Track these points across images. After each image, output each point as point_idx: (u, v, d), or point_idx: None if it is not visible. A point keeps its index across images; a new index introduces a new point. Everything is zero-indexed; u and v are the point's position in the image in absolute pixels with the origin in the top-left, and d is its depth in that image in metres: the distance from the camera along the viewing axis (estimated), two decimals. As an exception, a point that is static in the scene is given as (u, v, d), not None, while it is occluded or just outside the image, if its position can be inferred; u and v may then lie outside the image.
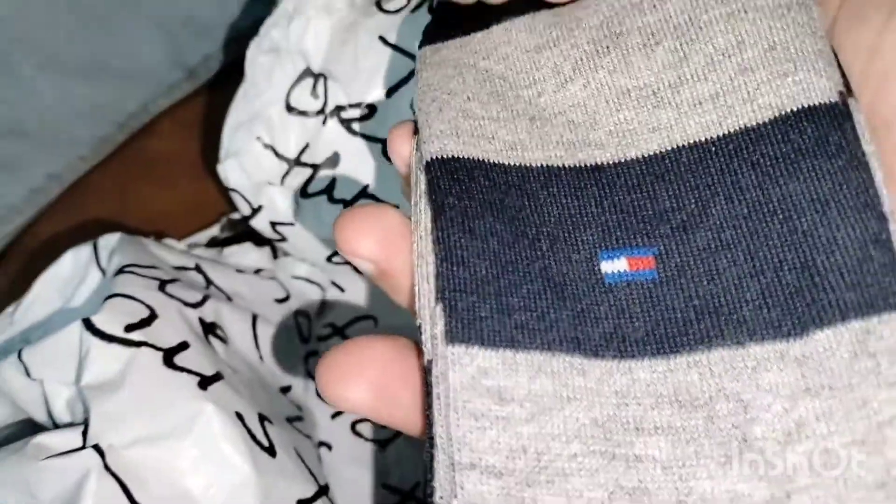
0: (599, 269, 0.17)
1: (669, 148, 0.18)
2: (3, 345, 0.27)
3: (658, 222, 0.18)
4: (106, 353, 0.23)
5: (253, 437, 0.24)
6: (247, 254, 0.36)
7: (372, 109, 0.28)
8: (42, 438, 0.22)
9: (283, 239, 0.33)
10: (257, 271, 0.35)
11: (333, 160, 0.30)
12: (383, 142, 0.28)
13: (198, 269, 0.31)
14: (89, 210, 0.37)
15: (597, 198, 0.18)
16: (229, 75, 0.36)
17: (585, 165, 0.19)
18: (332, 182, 0.30)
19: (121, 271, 0.26)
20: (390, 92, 0.28)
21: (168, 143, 0.38)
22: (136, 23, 0.36)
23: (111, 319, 0.24)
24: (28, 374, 0.24)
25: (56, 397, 0.24)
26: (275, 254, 0.37)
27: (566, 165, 0.19)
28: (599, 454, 0.16)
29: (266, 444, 0.25)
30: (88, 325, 0.23)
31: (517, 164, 0.18)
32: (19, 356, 0.24)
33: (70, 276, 0.28)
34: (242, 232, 0.38)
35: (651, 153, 0.18)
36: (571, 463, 0.16)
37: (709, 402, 0.16)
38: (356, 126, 0.29)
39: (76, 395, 0.24)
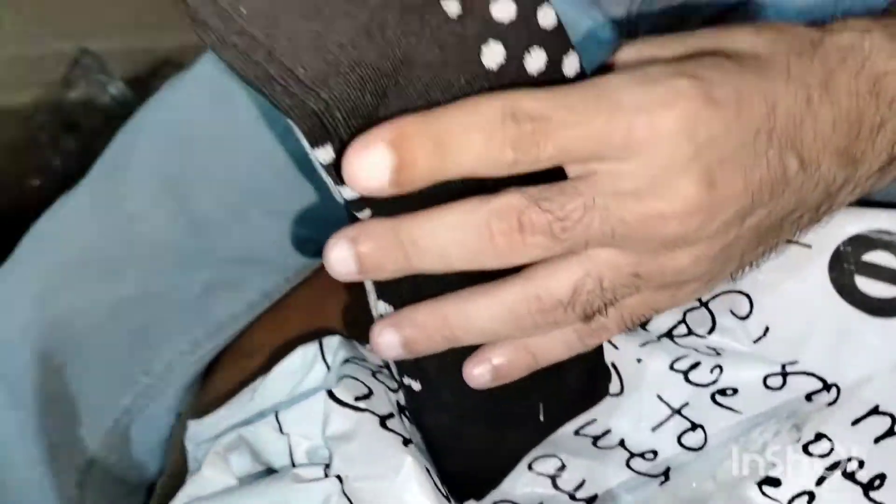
0: None
1: None
2: (252, 416, 0.37)
3: None
4: (342, 415, 0.32)
5: (437, 486, 0.33)
6: None
7: None
8: (297, 470, 0.31)
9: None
10: None
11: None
12: None
13: (386, 365, 0.40)
14: (291, 321, 0.47)
15: None
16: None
17: None
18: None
19: (346, 361, 0.35)
20: None
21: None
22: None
23: (345, 392, 0.33)
24: (280, 430, 0.34)
25: (298, 447, 0.33)
26: None
27: None
28: None
29: (444, 493, 0.33)
30: (331, 394, 0.33)
31: None
32: (276, 417, 0.34)
33: (300, 366, 0.38)
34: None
35: None
36: None
37: None
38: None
39: (317, 445, 0.33)
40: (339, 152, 0.24)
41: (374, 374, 0.35)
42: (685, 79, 0.23)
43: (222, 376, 0.47)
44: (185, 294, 0.45)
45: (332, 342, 0.38)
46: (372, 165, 0.22)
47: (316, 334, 0.46)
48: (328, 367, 0.37)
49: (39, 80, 1.21)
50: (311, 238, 0.48)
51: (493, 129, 0.22)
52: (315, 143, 0.25)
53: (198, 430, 0.37)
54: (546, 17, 0.25)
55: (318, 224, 0.48)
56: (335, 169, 0.25)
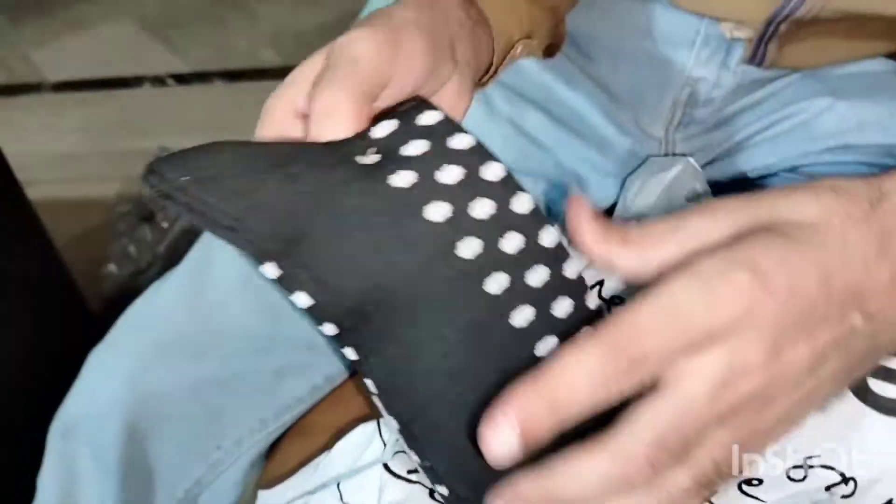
0: None
1: None
2: (318, 486, 0.41)
3: None
4: (396, 486, 0.36)
5: None
6: None
7: None
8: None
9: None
10: None
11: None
12: None
13: None
14: (349, 403, 0.52)
15: None
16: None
17: None
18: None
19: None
20: None
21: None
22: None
23: (399, 465, 0.37)
24: (341, 499, 0.38)
25: None
26: None
27: None
28: None
29: None
30: (386, 467, 0.37)
31: None
32: (338, 486, 0.38)
33: (360, 443, 0.42)
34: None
35: None
36: None
37: None
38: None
39: None
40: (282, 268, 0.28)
41: None
42: (743, 273, 0.25)
43: (285, 453, 0.51)
44: (258, 376, 0.50)
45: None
46: (502, 442, 0.25)
47: (371, 416, 0.50)
48: (384, 444, 0.41)
49: (122, 174, 1.32)
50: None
51: (596, 378, 0.25)
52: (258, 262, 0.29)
53: (268, 498, 0.41)
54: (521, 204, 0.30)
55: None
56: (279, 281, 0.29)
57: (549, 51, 0.48)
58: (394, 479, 0.36)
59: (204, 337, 0.50)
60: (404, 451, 0.38)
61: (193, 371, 0.49)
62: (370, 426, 0.42)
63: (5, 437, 0.82)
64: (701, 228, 0.27)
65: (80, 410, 0.50)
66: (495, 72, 0.41)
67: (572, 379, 0.25)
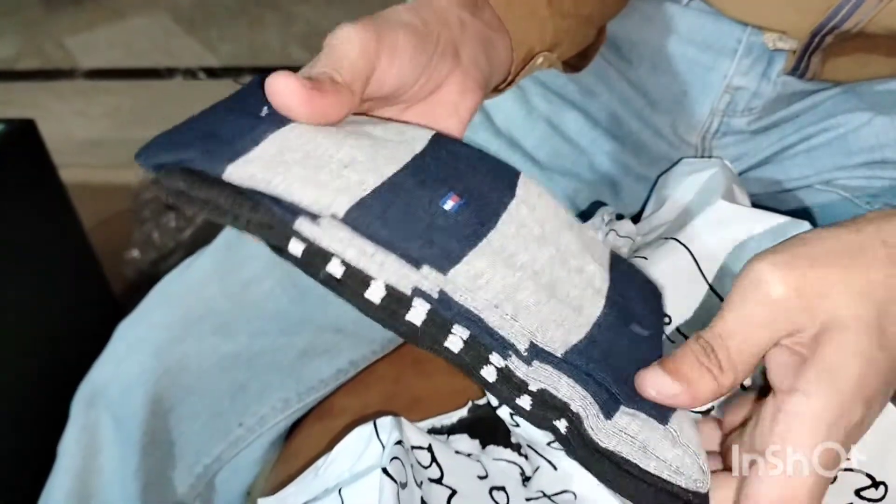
0: None
1: None
2: (320, 491, 0.41)
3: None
4: (394, 491, 0.36)
5: None
6: (463, 442, 0.49)
7: None
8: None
9: (517, 425, 0.46)
10: (468, 455, 0.48)
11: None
12: None
13: (429, 448, 0.44)
14: (371, 389, 0.52)
15: None
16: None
17: None
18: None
19: (398, 442, 0.40)
20: None
21: (432, 347, 0.53)
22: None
23: (397, 470, 0.37)
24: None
25: None
26: (483, 446, 0.49)
27: None
28: None
29: None
30: (385, 471, 0.37)
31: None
32: (339, 492, 0.38)
33: (357, 444, 0.42)
34: (467, 423, 0.51)
35: None
36: None
37: None
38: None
39: None
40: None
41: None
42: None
43: (306, 434, 0.51)
44: (283, 356, 0.50)
45: (385, 423, 0.42)
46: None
47: (391, 401, 0.50)
48: (383, 446, 0.41)
49: (149, 162, 1.33)
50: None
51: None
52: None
53: None
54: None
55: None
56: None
57: (585, 56, 0.48)
58: (392, 484, 0.37)
59: (233, 313, 0.50)
60: (399, 458, 0.38)
61: (221, 346, 0.49)
62: (367, 428, 0.42)
63: (28, 410, 0.82)
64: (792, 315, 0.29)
65: (106, 379, 0.51)
66: (513, 80, 0.41)
67: None
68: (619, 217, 0.51)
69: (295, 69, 0.30)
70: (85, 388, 0.52)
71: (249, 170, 0.28)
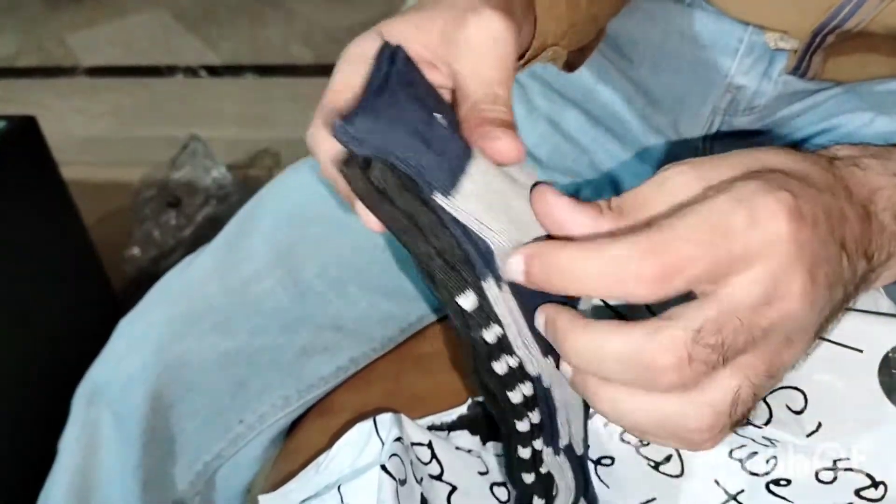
0: None
1: None
2: (321, 488, 0.41)
3: None
4: (392, 487, 0.36)
5: None
6: (463, 438, 0.49)
7: None
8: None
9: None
10: (469, 451, 0.48)
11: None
12: None
13: (429, 444, 0.44)
14: (372, 387, 0.52)
15: None
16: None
17: None
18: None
19: (397, 439, 0.40)
20: None
21: (433, 344, 0.53)
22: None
23: (396, 467, 0.37)
24: (341, 502, 0.38)
25: None
26: (484, 442, 0.49)
27: None
28: None
29: None
30: (384, 468, 0.37)
31: None
32: (338, 489, 0.38)
33: (357, 440, 0.42)
34: (467, 420, 0.51)
35: None
36: None
37: None
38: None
39: None
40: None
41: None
42: (783, 192, 0.26)
43: (307, 431, 0.51)
44: (284, 353, 0.50)
45: (385, 419, 0.42)
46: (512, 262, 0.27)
47: (392, 399, 0.50)
48: (382, 442, 0.41)
49: (149, 160, 1.34)
50: (397, 314, 0.53)
51: (617, 269, 0.25)
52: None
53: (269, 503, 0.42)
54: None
55: (405, 301, 0.53)
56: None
57: (581, 54, 0.48)
58: (390, 481, 0.37)
59: (233, 310, 0.50)
60: (398, 455, 0.38)
61: (221, 343, 0.49)
62: (367, 425, 0.42)
63: (28, 408, 0.82)
64: (691, 180, 0.27)
65: (106, 376, 0.51)
66: (524, 65, 0.41)
67: (591, 259, 0.25)
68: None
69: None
70: (85, 385, 0.52)
71: (470, 206, 0.27)
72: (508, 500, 0.43)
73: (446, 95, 0.33)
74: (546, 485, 0.33)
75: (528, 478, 0.33)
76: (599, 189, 0.56)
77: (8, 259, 0.82)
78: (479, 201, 0.27)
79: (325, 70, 0.33)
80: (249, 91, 1.59)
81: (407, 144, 0.26)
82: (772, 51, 0.51)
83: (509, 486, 0.40)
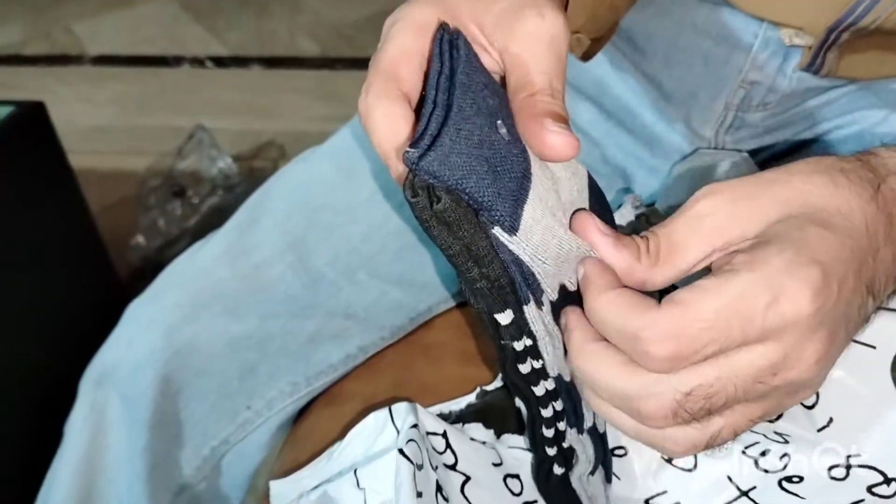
0: None
1: None
2: (334, 474, 0.41)
3: None
4: (410, 471, 0.36)
5: None
6: (478, 430, 0.49)
7: None
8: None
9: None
10: (483, 443, 0.48)
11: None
12: None
13: (444, 434, 0.44)
14: (380, 375, 0.52)
15: None
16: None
17: None
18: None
19: (413, 426, 0.40)
20: None
21: (441, 334, 0.53)
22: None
23: (413, 452, 0.37)
24: (357, 485, 0.38)
25: (372, 501, 0.38)
26: (498, 435, 0.49)
27: None
28: None
29: None
30: (401, 451, 0.37)
31: None
32: (355, 473, 0.38)
33: (372, 428, 0.42)
34: (475, 409, 0.51)
35: None
36: None
37: None
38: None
39: (388, 499, 0.37)
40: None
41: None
42: (814, 268, 0.26)
43: (315, 419, 0.51)
44: (293, 340, 0.50)
45: (401, 408, 0.42)
46: None
47: (400, 387, 0.50)
48: (398, 431, 0.41)
49: (154, 149, 1.34)
50: (407, 303, 0.53)
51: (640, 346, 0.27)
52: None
53: (281, 489, 0.42)
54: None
55: (414, 290, 0.53)
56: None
57: (596, 45, 0.48)
58: (408, 465, 0.37)
59: (244, 296, 0.50)
60: (416, 441, 0.38)
61: (231, 328, 0.49)
62: (382, 413, 0.42)
63: (32, 393, 0.82)
64: (727, 222, 0.28)
65: (115, 359, 0.51)
66: None
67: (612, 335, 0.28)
68: (650, 204, 0.51)
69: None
70: (94, 367, 0.52)
71: (526, 241, 0.28)
72: (521, 492, 0.43)
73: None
74: (567, 456, 0.36)
75: (551, 451, 0.35)
76: (611, 182, 0.56)
77: (14, 243, 0.82)
78: (534, 233, 0.28)
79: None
80: (255, 82, 1.59)
81: (476, 176, 0.27)
82: (786, 47, 0.50)
83: (532, 451, 0.41)
